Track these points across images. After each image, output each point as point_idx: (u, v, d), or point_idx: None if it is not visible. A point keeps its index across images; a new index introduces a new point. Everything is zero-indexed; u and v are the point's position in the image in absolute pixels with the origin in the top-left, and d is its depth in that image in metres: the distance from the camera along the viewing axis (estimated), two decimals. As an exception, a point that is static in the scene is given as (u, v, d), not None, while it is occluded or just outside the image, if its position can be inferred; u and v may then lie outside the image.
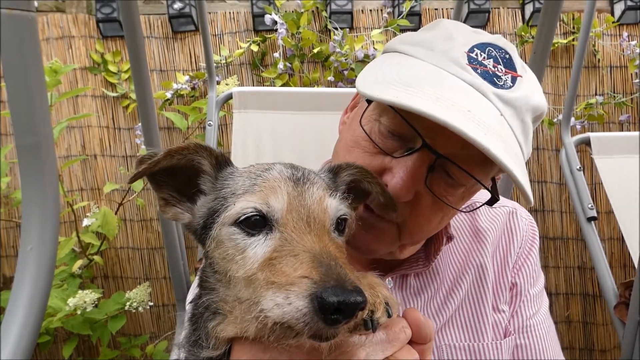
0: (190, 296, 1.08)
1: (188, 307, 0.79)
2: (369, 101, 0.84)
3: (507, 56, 0.81)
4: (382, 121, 0.83)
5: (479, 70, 0.77)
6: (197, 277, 1.10)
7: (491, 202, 0.87)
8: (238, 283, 0.62)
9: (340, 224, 0.69)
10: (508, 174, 0.72)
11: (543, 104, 0.84)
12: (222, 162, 0.72)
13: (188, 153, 0.68)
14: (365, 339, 0.61)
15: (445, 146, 0.77)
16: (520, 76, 0.80)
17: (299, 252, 0.58)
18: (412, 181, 0.78)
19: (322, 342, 0.55)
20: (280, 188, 0.64)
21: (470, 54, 0.79)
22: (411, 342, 0.66)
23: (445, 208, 0.84)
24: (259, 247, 0.61)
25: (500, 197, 1.12)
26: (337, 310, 0.51)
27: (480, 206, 0.93)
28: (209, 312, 0.68)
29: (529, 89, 0.81)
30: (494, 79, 0.78)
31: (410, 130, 0.78)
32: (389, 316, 0.61)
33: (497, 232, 1.05)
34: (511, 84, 0.78)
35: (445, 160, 0.78)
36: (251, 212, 0.62)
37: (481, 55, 0.79)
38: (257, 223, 0.63)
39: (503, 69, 0.79)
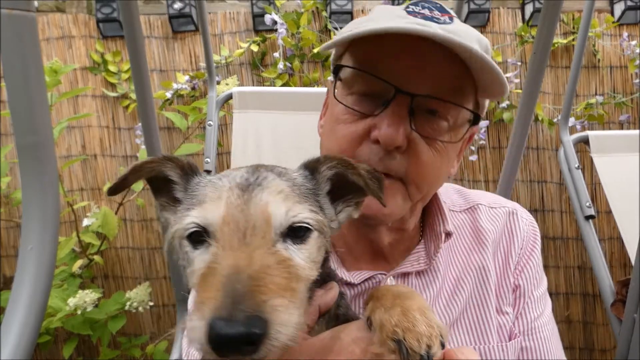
0: (191, 298, 1.09)
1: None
2: (337, 77, 0.91)
3: (439, 5, 0.88)
4: (354, 90, 0.88)
5: (419, 16, 0.85)
6: None
7: (474, 120, 0.91)
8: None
9: (299, 230, 0.62)
10: (473, 57, 0.78)
11: (484, 38, 0.90)
12: (189, 171, 0.71)
13: (155, 166, 0.70)
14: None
15: (417, 86, 0.82)
16: (455, 16, 0.88)
17: (216, 272, 0.54)
18: (398, 125, 0.82)
19: None
20: (221, 198, 0.61)
21: (408, 9, 0.87)
22: None
23: (440, 150, 0.87)
24: (198, 261, 0.61)
25: (500, 197, 1.13)
26: (222, 344, 0.47)
27: (468, 129, 0.93)
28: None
29: (467, 26, 0.88)
30: (434, 19, 0.84)
31: (381, 85, 0.83)
32: (442, 347, 0.59)
33: (498, 233, 1.05)
34: (449, 21, 0.85)
35: (422, 99, 0.82)
36: (193, 227, 0.62)
37: (417, 7, 0.87)
38: (200, 236, 0.62)
39: (439, 13, 0.86)
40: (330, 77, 1.03)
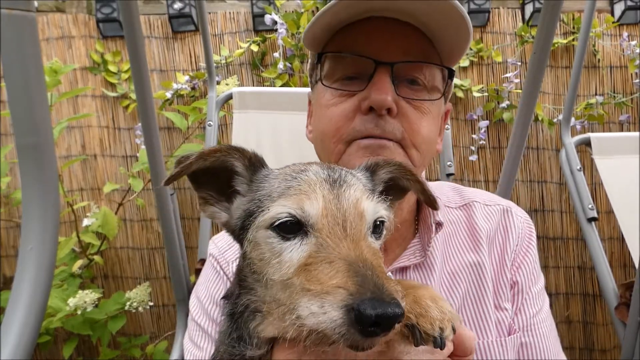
0: (193, 297, 1.08)
1: (222, 303, 0.80)
2: (319, 62, 1.00)
3: None
4: (337, 77, 0.96)
5: None
6: (202, 273, 1.10)
7: (449, 74, 0.99)
8: (274, 285, 0.62)
9: (377, 227, 0.67)
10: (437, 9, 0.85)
11: None
12: (255, 163, 0.72)
13: (221, 155, 0.69)
14: (411, 348, 0.61)
15: (393, 56, 0.90)
16: None
17: (335, 260, 0.56)
18: (386, 90, 0.89)
19: (359, 351, 0.54)
20: (316, 192, 0.63)
21: None
22: (452, 355, 0.65)
23: (426, 111, 0.95)
24: (294, 251, 0.61)
25: (495, 195, 1.14)
26: (375, 323, 0.50)
27: (445, 87, 1.01)
28: (248, 312, 0.68)
29: None
30: None
31: (362, 63, 0.91)
32: (454, 332, 0.61)
33: (492, 230, 1.06)
34: None
35: (401, 67, 0.91)
36: (286, 217, 0.62)
37: None
38: (292, 227, 0.62)
39: None
40: (309, 91, 1.12)
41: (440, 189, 1.15)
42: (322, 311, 0.52)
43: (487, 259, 1.02)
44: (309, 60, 1.07)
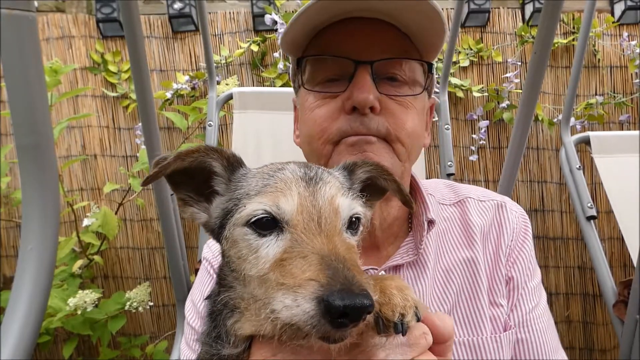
0: (189, 299, 1.09)
1: (204, 303, 0.81)
2: (299, 67, 1.02)
3: None
4: (318, 80, 0.98)
5: None
6: (197, 277, 1.11)
7: (429, 68, 1.02)
8: (252, 282, 0.63)
9: (353, 223, 0.69)
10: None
11: None
12: (234, 163, 0.72)
13: (199, 156, 0.69)
14: (386, 341, 0.61)
15: (371, 54, 0.92)
16: None
17: (308, 254, 0.58)
18: (368, 88, 0.91)
19: (331, 343, 0.55)
20: (291, 189, 0.65)
21: None
22: (432, 344, 0.66)
23: (409, 106, 0.97)
24: (270, 247, 0.62)
25: (490, 191, 1.14)
26: (344, 314, 0.51)
27: (426, 81, 1.03)
28: (227, 310, 0.69)
29: None
30: None
31: (341, 64, 0.93)
32: (418, 320, 0.62)
33: (487, 225, 1.06)
34: None
35: (380, 65, 0.93)
36: (261, 213, 0.63)
37: None
38: (268, 224, 0.63)
39: None
40: (293, 97, 1.12)
41: (435, 186, 1.15)
42: (296, 304, 0.53)
43: (481, 255, 1.02)
44: (290, 66, 1.08)
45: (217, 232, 0.71)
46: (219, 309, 0.70)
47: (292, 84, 1.11)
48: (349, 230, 0.68)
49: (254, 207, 0.64)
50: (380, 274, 0.97)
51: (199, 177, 0.73)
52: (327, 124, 0.95)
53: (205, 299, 0.80)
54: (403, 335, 0.59)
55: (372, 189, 0.80)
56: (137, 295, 2.43)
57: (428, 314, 0.66)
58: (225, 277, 0.71)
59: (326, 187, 0.67)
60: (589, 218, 2.24)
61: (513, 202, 1.11)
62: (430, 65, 1.02)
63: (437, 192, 1.12)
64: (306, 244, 0.59)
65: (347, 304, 0.51)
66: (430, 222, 1.00)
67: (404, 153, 0.97)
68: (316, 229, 0.61)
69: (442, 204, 1.10)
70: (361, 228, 0.72)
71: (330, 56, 0.95)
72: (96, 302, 2.33)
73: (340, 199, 0.66)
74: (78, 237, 2.52)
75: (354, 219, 0.69)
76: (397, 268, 0.99)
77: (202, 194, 0.74)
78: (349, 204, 0.67)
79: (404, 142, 0.96)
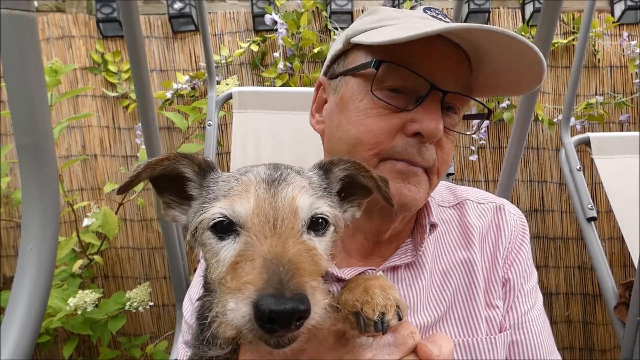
0: (186, 299, 1.09)
1: (196, 304, 0.81)
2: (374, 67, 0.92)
3: (440, 10, 0.99)
4: (385, 85, 0.90)
5: (435, 14, 0.95)
6: (194, 275, 1.11)
7: (488, 115, 1.01)
8: (217, 284, 0.64)
9: (319, 224, 0.67)
10: (501, 34, 0.80)
11: None
12: (205, 168, 0.73)
13: (169, 163, 0.70)
14: (372, 341, 0.62)
15: (446, 83, 0.87)
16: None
17: (255, 257, 0.57)
18: (438, 119, 0.87)
19: (275, 348, 0.55)
20: (249, 192, 0.65)
21: (426, 13, 0.96)
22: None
23: (453, 140, 0.96)
24: (227, 251, 0.63)
25: (489, 194, 1.15)
26: (271, 320, 0.50)
27: (481, 122, 1.06)
28: (212, 312, 0.69)
29: None
30: (448, 20, 0.94)
31: (413, 81, 0.87)
32: (400, 319, 0.61)
33: (485, 227, 1.06)
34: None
35: (451, 95, 0.88)
36: (219, 217, 0.64)
37: (430, 12, 0.97)
38: (227, 227, 0.63)
39: (443, 17, 0.97)
40: (322, 76, 1.05)
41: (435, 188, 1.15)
42: (237, 307, 0.53)
43: (478, 256, 1.02)
44: (334, 47, 1.01)
45: (194, 235, 0.72)
46: (205, 311, 0.71)
47: (331, 65, 1.03)
48: (312, 231, 0.66)
49: (214, 211, 0.64)
50: (378, 274, 0.97)
51: (181, 181, 0.74)
52: (384, 139, 0.89)
53: (197, 300, 0.80)
54: (384, 333, 0.59)
55: (356, 188, 0.78)
56: (137, 295, 2.42)
57: (423, 343, 0.66)
58: (207, 280, 0.72)
59: (288, 188, 0.66)
60: (590, 219, 2.24)
61: (512, 204, 1.12)
62: (489, 113, 1.00)
63: (436, 193, 1.12)
64: (256, 246, 0.59)
65: (272, 309, 0.50)
66: (432, 226, 1.00)
67: (435, 183, 0.96)
68: (270, 231, 0.60)
69: (441, 206, 1.10)
70: (331, 228, 0.70)
71: (411, 72, 0.86)
72: (96, 302, 2.33)
73: (301, 199, 0.65)
74: (78, 237, 2.52)
75: (319, 220, 0.67)
76: (394, 269, 0.99)
77: (186, 198, 0.75)
78: (311, 204, 0.66)
79: (440, 174, 0.95)
